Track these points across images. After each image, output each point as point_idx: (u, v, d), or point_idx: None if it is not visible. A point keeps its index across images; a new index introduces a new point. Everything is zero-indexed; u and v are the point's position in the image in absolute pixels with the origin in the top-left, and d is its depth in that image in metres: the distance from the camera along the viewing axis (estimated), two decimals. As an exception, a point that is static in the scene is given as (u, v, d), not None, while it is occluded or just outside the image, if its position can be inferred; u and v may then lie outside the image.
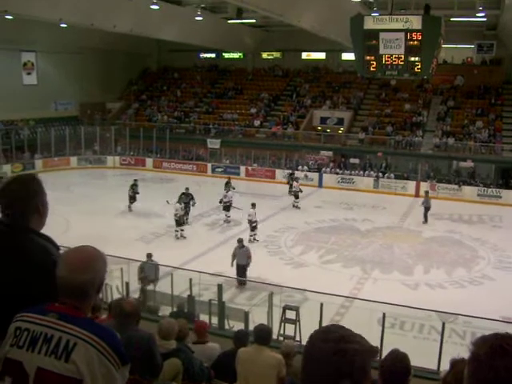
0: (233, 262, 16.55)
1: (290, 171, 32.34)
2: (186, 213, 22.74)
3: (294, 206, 27.40)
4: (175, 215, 21.56)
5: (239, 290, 16.09)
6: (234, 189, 26.31)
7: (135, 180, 26.64)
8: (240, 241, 17.17)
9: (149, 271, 14.83)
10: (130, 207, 25.73)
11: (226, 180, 28.00)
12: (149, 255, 15.40)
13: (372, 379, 1.76)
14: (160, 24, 31.24)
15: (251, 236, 21.29)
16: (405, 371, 3.76)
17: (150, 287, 14.50)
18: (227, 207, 23.94)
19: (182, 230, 21.70)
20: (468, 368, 1.54)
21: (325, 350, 1.69)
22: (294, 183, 28.38)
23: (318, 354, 1.72)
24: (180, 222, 21.70)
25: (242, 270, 16.54)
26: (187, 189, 23.69)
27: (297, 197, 27.57)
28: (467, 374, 1.54)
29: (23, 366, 2.01)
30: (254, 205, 21.67)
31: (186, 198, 23.02)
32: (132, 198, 25.74)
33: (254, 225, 21.40)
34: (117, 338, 2.09)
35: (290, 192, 29.44)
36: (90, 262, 2.13)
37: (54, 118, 38.83)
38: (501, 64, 36.97)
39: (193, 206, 23.39)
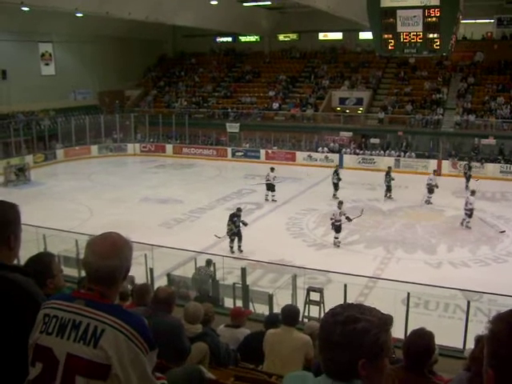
0: None
1: (466, 161, 28.74)
2: (239, 238, 18.29)
3: (427, 202, 24.23)
4: (333, 222, 18.71)
5: (263, 273, 16.09)
6: (393, 179, 24.75)
7: (337, 166, 25.92)
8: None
9: None
10: (334, 195, 24.51)
11: (387, 170, 25.47)
12: None
13: (391, 350, 1.75)
14: (175, 10, 31.11)
15: (465, 220, 20.70)
16: (427, 350, 3.73)
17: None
18: (271, 186, 24.20)
19: (336, 238, 18.78)
20: (487, 346, 1.53)
21: (335, 334, 1.71)
22: (431, 175, 25.07)
23: (329, 339, 1.73)
24: (339, 229, 18.78)
25: None
26: (239, 209, 18.50)
27: (432, 191, 24.19)
28: (487, 352, 1.53)
29: (53, 353, 2.04)
30: (473, 192, 21.14)
31: (239, 220, 18.32)
32: (336, 185, 24.89)
33: (470, 209, 20.45)
34: (144, 324, 2.11)
35: (466, 187, 25.98)
36: (117, 248, 2.14)
37: (74, 107, 39.08)
38: (522, 38, 36.29)
39: (245, 225, 18.39)
